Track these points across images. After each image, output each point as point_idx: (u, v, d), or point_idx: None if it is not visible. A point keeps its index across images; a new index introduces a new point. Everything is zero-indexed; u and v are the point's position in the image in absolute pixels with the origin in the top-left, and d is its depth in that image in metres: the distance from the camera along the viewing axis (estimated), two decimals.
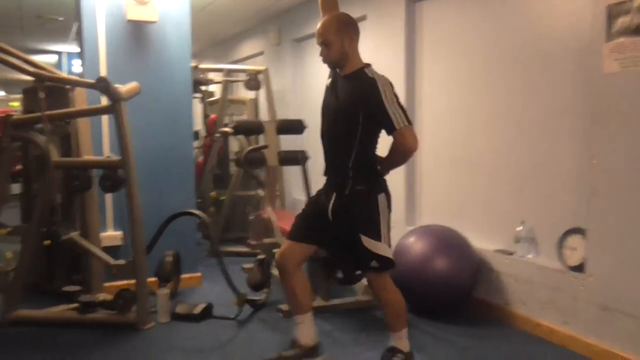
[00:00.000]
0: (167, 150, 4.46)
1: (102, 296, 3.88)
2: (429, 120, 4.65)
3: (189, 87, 4.63)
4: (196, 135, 6.54)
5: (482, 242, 4.03)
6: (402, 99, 4.66)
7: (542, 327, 3.52)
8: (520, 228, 3.68)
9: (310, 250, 2.90)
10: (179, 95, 4.51)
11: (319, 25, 2.71)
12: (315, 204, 2.90)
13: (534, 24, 3.64)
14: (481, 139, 4.11)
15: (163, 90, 4.43)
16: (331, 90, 2.80)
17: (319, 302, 3.96)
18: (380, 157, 2.79)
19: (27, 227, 3.80)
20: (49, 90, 3.66)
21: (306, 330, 2.85)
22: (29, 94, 4.30)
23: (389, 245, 2.72)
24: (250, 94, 6.64)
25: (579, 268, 3.31)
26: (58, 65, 11.17)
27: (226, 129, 5.77)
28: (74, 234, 3.81)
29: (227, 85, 6.39)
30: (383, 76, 2.64)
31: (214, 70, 6.67)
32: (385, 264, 2.70)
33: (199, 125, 6.71)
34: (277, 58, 6.98)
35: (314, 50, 6.44)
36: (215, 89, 7.21)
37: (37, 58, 4.28)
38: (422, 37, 4.67)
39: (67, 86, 4.06)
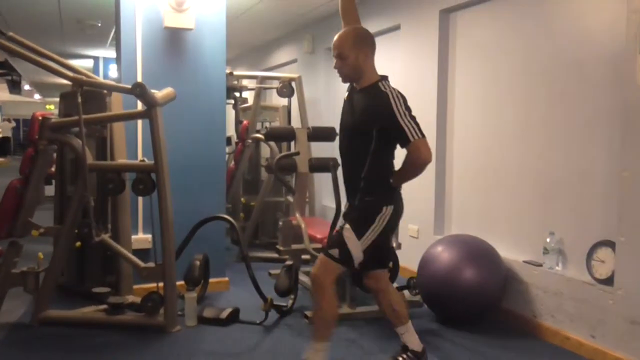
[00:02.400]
0: (199, 156, 4.53)
1: (131, 298, 3.95)
2: (459, 130, 4.64)
3: (223, 93, 4.69)
4: (228, 140, 6.61)
5: (510, 252, 3.99)
6: (434, 109, 4.75)
7: (571, 341, 3.46)
8: (549, 239, 3.64)
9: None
10: (213, 101, 4.58)
11: (335, 37, 2.75)
12: None
13: (567, 34, 3.61)
14: (511, 149, 4.08)
15: (198, 96, 4.50)
16: (348, 104, 2.85)
17: (345, 309, 3.97)
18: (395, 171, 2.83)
19: (60, 228, 3.89)
20: (86, 95, 3.75)
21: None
22: (67, 98, 4.41)
23: (362, 254, 2.73)
24: (282, 101, 6.69)
25: (608, 281, 3.25)
26: (95, 69, 11.41)
27: (258, 135, 5.84)
28: (106, 236, 3.89)
29: (260, 92, 6.46)
30: (396, 89, 2.67)
31: (248, 77, 6.75)
32: (342, 258, 2.72)
33: (231, 131, 6.79)
34: (310, 66, 7.02)
35: None
36: (249, 95, 7.29)
37: (74, 62, 4.39)
38: (455, 47, 4.67)
39: (104, 91, 4.16)
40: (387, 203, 2.73)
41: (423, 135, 2.60)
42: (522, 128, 3.99)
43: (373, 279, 2.98)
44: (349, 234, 2.72)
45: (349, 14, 2.94)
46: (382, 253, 2.92)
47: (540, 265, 3.71)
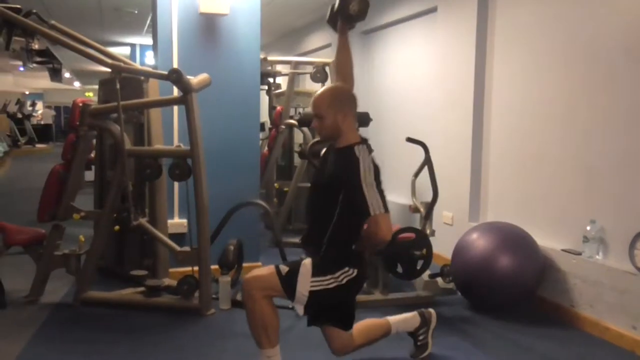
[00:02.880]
0: (234, 141, 4.56)
1: (167, 281, 4.02)
2: (497, 115, 4.56)
3: (258, 79, 4.71)
4: (262, 126, 6.64)
5: (548, 240, 3.92)
6: (471, 93, 4.67)
7: (611, 331, 3.39)
8: (590, 227, 3.55)
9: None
10: (247, 87, 4.60)
11: (314, 96, 2.63)
12: None
13: (614, 14, 3.50)
14: (551, 134, 3.99)
15: (232, 82, 4.53)
16: (323, 160, 2.72)
17: (377, 296, 3.97)
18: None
19: (100, 212, 3.98)
20: (124, 81, 3.81)
21: None
22: (105, 85, 4.48)
23: (307, 292, 2.53)
24: (316, 87, 6.67)
25: None
26: (131, 57, 11.58)
27: (292, 121, 5.85)
28: (143, 221, 3.96)
29: (293, 78, 6.45)
30: (370, 158, 2.51)
31: (282, 63, 6.74)
32: (286, 280, 2.56)
33: (265, 116, 6.81)
34: None
35: (382, 43, 6.43)
36: (282, 81, 7.29)
37: (112, 50, 4.45)
38: (494, 28, 4.57)
39: (142, 77, 4.21)
40: (351, 265, 2.58)
41: (386, 210, 2.44)
42: (563, 112, 3.89)
43: (328, 335, 2.79)
44: (307, 264, 2.56)
45: (343, 67, 2.80)
46: (332, 306, 2.71)
47: (580, 254, 3.64)
